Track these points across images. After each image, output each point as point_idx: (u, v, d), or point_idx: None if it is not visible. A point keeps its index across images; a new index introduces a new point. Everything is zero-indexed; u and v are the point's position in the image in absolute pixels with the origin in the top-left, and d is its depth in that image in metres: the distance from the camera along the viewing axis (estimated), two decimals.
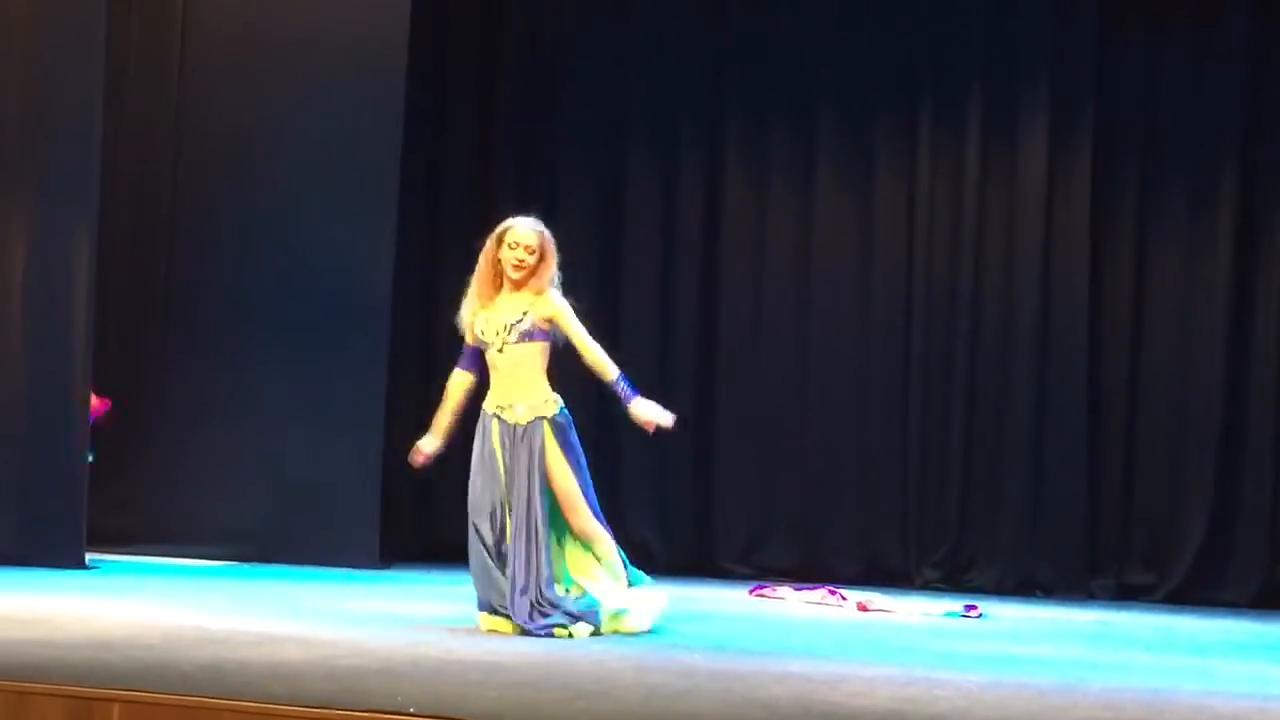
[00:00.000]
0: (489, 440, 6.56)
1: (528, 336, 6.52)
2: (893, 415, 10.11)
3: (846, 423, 10.16)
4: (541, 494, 6.48)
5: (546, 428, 6.52)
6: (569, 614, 6.48)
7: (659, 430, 6.64)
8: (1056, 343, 9.93)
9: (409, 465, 6.94)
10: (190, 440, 9.42)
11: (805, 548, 10.10)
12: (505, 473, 6.52)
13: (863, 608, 8.46)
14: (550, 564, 6.48)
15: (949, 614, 8.34)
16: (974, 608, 8.47)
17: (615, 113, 10.47)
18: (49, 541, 8.44)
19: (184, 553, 9.23)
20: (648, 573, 7.02)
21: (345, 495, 9.28)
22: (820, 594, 8.84)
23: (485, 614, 6.58)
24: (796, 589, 9.04)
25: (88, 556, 8.56)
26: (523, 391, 6.54)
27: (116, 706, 4.54)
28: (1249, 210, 9.85)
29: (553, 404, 6.57)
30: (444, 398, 6.82)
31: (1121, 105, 10.00)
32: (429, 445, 6.81)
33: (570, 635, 6.44)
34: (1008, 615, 8.54)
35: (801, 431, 10.22)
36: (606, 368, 6.54)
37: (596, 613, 6.55)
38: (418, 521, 10.36)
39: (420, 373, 10.42)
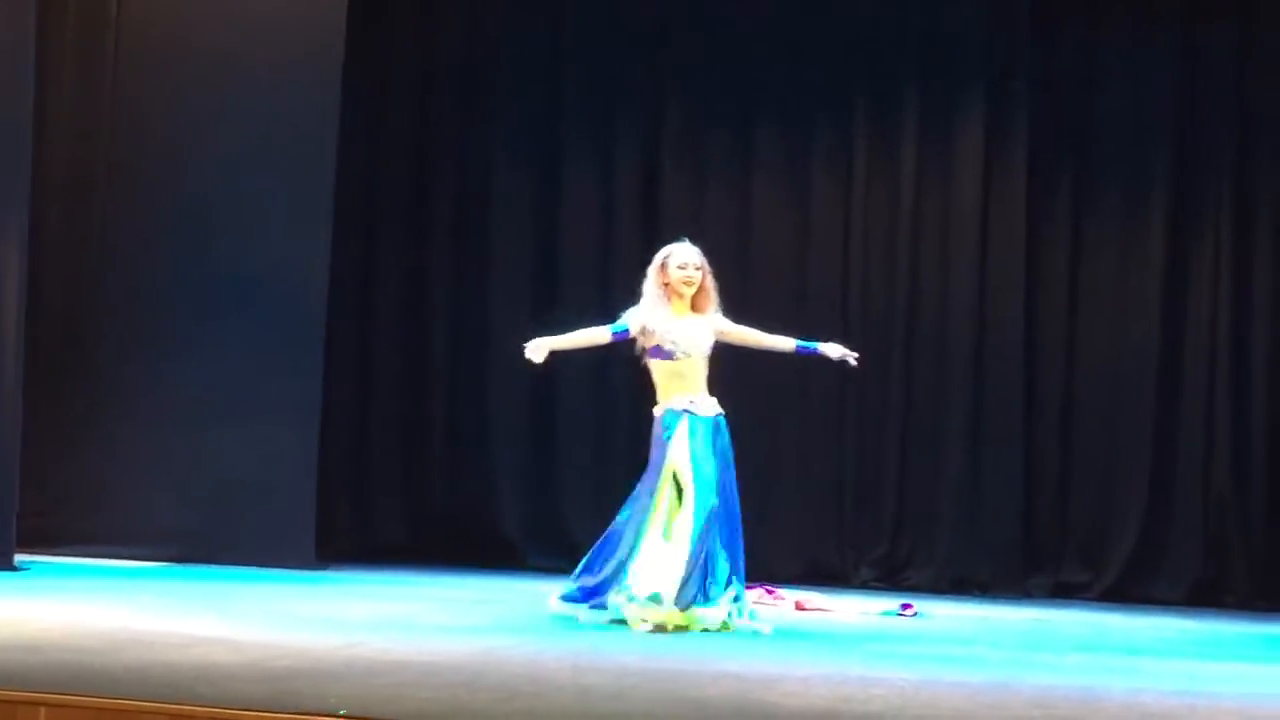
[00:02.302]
0: (686, 430, 7.28)
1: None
2: (830, 415, 10.12)
3: (784, 423, 10.16)
4: (732, 485, 7.34)
5: (724, 424, 7.44)
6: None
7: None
8: (992, 344, 9.97)
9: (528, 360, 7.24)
10: (122, 440, 9.33)
11: (743, 546, 10.08)
12: (692, 457, 7.22)
13: (799, 607, 8.47)
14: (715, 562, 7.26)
15: (885, 613, 8.37)
16: (910, 606, 8.50)
17: (552, 117, 10.42)
18: None
19: (114, 554, 9.12)
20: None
21: (280, 495, 9.20)
22: (757, 593, 8.80)
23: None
24: None
25: (16, 558, 8.46)
26: (704, 392, 7.47)
27: (43, 710, 4.50)
28: (1182, 217, 9.92)
29: (719, 406, 7.46)
30: (579, 332, 7.41)
31: (1056, 110, 10.04)
32: (544, 344, 7.22)
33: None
34: (944, 614, 8.57)
35: (739, 432, 10.18)
36: (781, 341, 7.72)
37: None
38: (354, 522, 10.32)
39: (356, 372, 10.40)
